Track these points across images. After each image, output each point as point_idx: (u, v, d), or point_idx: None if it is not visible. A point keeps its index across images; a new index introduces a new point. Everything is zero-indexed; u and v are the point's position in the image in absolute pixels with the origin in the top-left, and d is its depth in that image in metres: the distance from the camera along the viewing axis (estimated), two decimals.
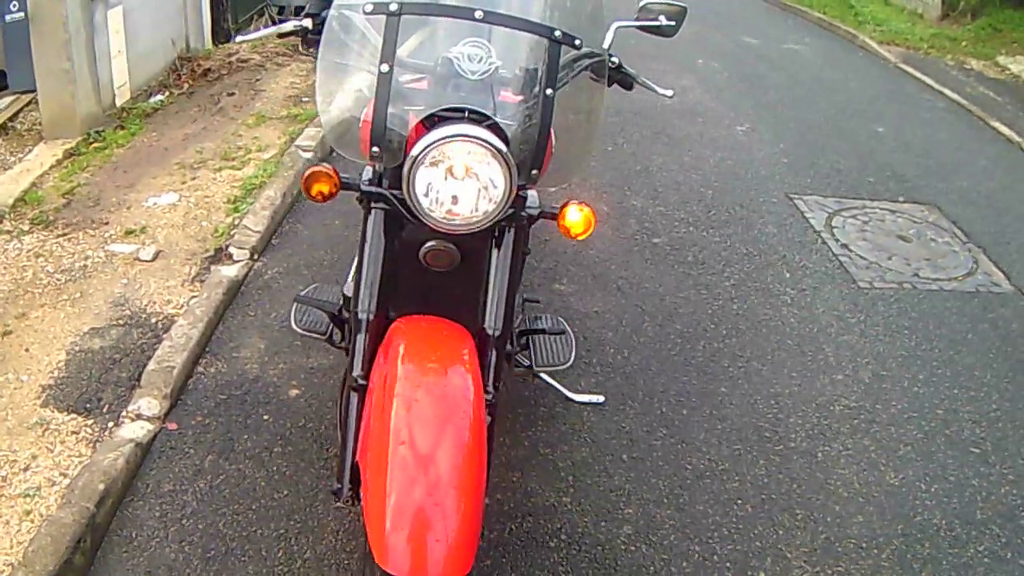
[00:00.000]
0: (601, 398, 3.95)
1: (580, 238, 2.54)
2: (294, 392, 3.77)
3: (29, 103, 6.27)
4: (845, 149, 7.43)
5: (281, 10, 9.54)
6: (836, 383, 4.32)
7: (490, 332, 2.48)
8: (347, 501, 2.43)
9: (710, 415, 3.98)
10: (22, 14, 5.63)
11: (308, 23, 2.78)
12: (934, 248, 5.82)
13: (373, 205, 2.50)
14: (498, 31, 2.41)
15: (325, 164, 2.43)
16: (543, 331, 3.33)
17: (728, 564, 3.23)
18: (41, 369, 3.69)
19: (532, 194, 2.68)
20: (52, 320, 3.99)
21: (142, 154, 5.73)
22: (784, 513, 3.50)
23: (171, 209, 5.01)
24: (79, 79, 5.73)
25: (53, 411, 3.48)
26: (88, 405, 3.54)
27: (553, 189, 2.73)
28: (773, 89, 9.00)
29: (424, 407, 2.12)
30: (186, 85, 7.19)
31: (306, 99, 6.82)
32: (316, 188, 2.41)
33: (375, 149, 2.35)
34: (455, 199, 2.30)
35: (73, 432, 3.39)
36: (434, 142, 2.22)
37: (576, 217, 2.50)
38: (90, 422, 3.45)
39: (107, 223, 4.79)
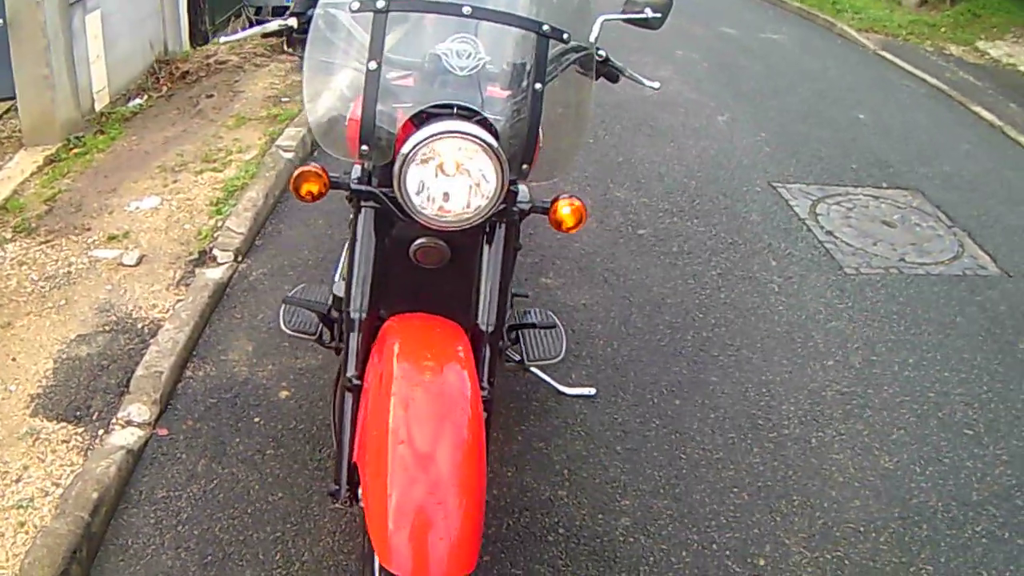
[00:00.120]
0: (593, 391, 3.94)
1: (572, 232, 2.54)
2: (284, 394, 3.75)
3: (8, 110, 6.22)
4: (827, 136, 7.44)
5: (258, 10, 9.49)
6: (827, 369, 4.32)
7: (484, 328, 2.47)
8: (345, 502, 2.42)
9: (702, 404, 3.97)
10: (0, 21, 5.57)
11: (293, 22, 2.74)
12: (919, 233, 5.83)
13: (363, 204, 2.49)
14: (485, 26, 2.39)
15: (314, 164, 2.41)
16: (533, 325, 3.32)
17: (727, 552, 3.23)
18: (29, 378, 3.66)
19: (523, 189, 2.66)
20: (38, 328, 3.95)
21: (123, 159, 5.69)
22: (781, 500, 3.50)
23: (153, 213, 4.97)
24: (58, 85, 5.68)
25: (43, 420, 3.44)
26: (78, 413, 3.50)
27: (543, 183, 2.72)
28: (753, 78, 8.99)
29: (421, 405, 2.10)
30: (165, 88, 7.14)
31: (285, 99, 6.78)
32: (306, 188, 2.39)
33: (364, 147, 2.32)
34: (446, 196, 2.28)
35: (64, 441, 3.36)
36: (425, 139, 2.20)
37: (567, 211, 2.49)
38: (80, 430, 3.42)
39: (90, 229, 4.75)
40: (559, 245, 5.07)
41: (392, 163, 2.30)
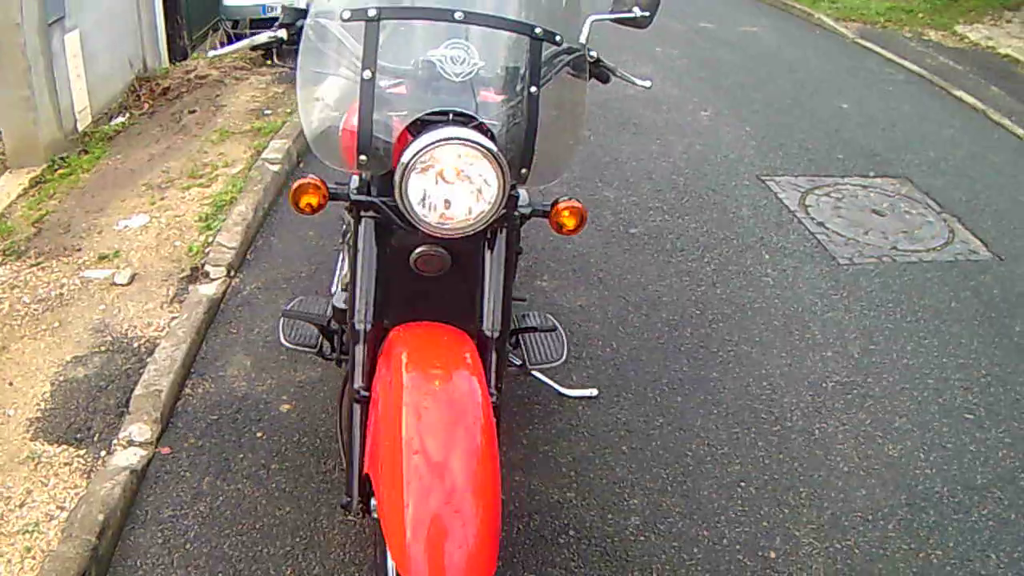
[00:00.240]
0: (595, 391, 3.93)
1: (573, 234, 2.54)
2: (285, 407, 3.73)
3: None
4: (811, 127, 7.45)
5: (236, 24, 9.49)
6: (826, 360, 4.32)
7: (489, 334, 2.46)
8: (357, 514, 2.40)
9: (705, 400, 3.97)
10: None
11: (283, 34, 2.72)
12: (909, 220, 5.84)
13: (363, 214, 2.47)
14: (475, 31, 2.38)
15: (312, 175, 2.39)
16: (534, 329, 3.31)
17: (738, 546, 3.23)
18: (27, 402, 3.63)
19: (522, 193, 2.65)
20: (33, 352, 3.92)
21: (108, 178, 5.65)
22: (788, 492, 3.50)
23: (143, 231, 4.94)
24: (40, 106, 5.65)
25: (43, 444, 3.42)
26: (78, 435, 3.47)
27: (541, 187, 2.70)
28: (734, 72, 9.00)
29: (433, 414, 2.09)
30: (146, 105, 7.11)
31: (268, 112, 6.76)
32: (305, 200, 2.38)
33: (362, 157, 2.31)
34: (447, 203, 2.26)
35: (66, 464, 3.33)
36: (424, 147, 2.19)
37: (568, 213, 2.50)
38: (82, 452, 3.39)
39: (80, 249, 4.72)
40: (552, 247, 5.06)
41: (391, 172, 2.28)
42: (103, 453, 3.38)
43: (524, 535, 3.16)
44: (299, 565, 2.99)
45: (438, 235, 2.32)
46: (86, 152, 6.01)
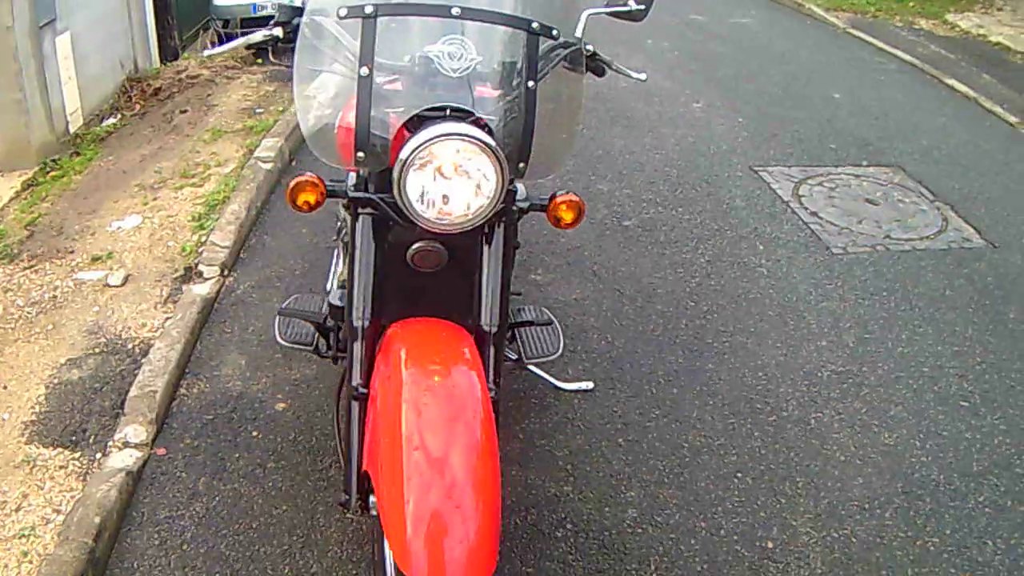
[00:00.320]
0: (590, 384, 3.93)
1: (571, 228, 2.54)
2: (281, 406, 3.72)
3: None
4: (803, 118, 7.45)
5: (226, 23, 9.47)
6: (821, 350, 4.33)
7: (487, 329, 2.46)
8: (356, 511, 2.40)
9: (700, 392, 3.97)
10: None
11: (279, 32, 2.72)
12: (903, 209, 5.84)
13: (360, 211, 2.46)
14: (471, 26, 2.38)
15: (309, 173, 2.38)
16: (530, 323, 3.32)
17: (736, 537, 3.23)
18: (21, 405, 3.62)
19: (520, 187, 2.65)
20: (27, 354, 3.91)
21: (101, 179, 5.64)
22: (785, 482, 3.50)
23: (136, 232, 4.93)
24: (32, 109, 5.64)
25: (38, 447, 3.41)
26: (73, 438, 3.46)
27: (539, 181, 2.70)
28: (725, 64, 8.99)
29: (432, 410, 2.09)
30: (138, 106, 7.09)
31: (259, 110, 6.74)
32: (302, 198, 2.38)
33: (360, 154, 2.30)
34: (445, 199, 2.26)
35: (61, 467, 3.32)
36: (423, 143, 2.18)
37: (565, 207, 2.50)
38: (77, 455, 3.38)
39: (73, 251, 4.71)
40: (546, 241, 5.05)
41: (388, 169, 2.28)
42: (98, 455, 3.37)
43: (521, 529, 3.16)
44: (297, 564, 2.99)
45: (437, 231, 2.32)
46: (78, 154, 6.00)
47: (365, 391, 2.39)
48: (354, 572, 2.96)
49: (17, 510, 3.11)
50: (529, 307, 3.56)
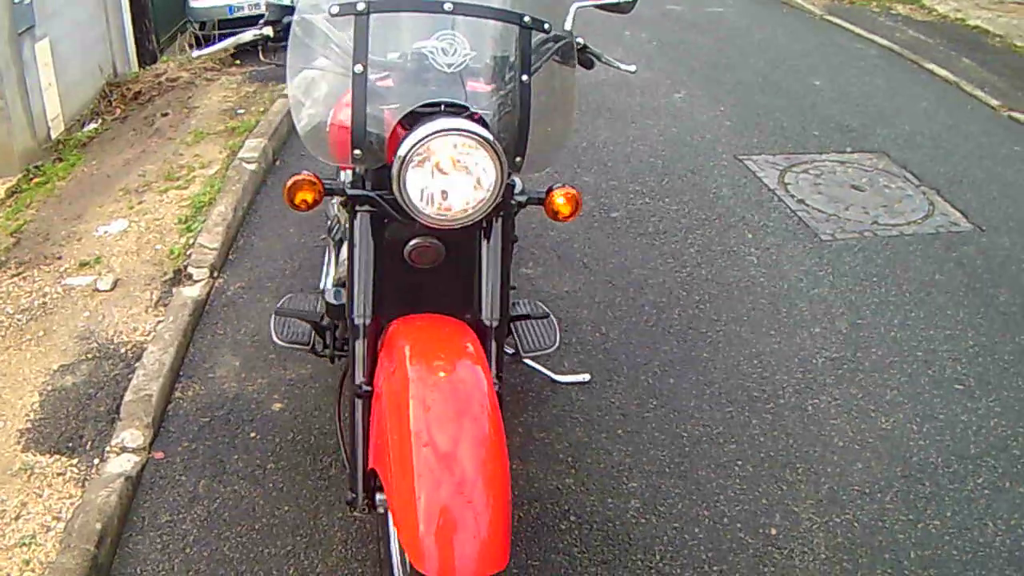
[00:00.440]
0: (587, 376, 3.93)
1: (568, 220, 2.54)
2: (277, 406, 3.70)
3: None
4: (785, 105, 7.46)
5: (203, 25, 9.44)
6: (815, 336, 4.34)
7: (488, 323, 2.46)
8: (363, 510, 2.39)
9: (697, 381, 3.97)
10: None
11: (269, 31, 2.71)
12: (889, 194, 5.86)
13: (358, 208, 2.45)
14: (463, 21, 2.37)
15: (307, 172, 2.37)
16: (527, 316, 3.31)
17: (739, 524, 3.24)
18: (16, 413, 3.58)
19: (517, 181, 2.65)
20: (19, 362, 3.88)
21: (85, 184, 5.61)
22: (785, 469, 3.51)
23: (122, 236, 4.90)
24: (13, 116, 5.60)
25: (35, 454, 3.38)
26: (70, 444, 3.44)
27: (536, 175, 2.70)
28: (704, 54, 8.99)
29: (440, 406, 2.08)
30: (118, 110, 7.06)
31: (241, 111, 6.71)
32: (300, 197, 2.36)
33: (357, 152, 2.30)
34: (444, 194, 2.25)
35: (59, 474, 3.30)
36: (421, 139, 2.18)
37: (562, 200, 2.51)
38: (75, 461, 3.36)
39: (60, 257, 4.67)
40: (535, 234, 5.05)
41: (385, 166, 2.27)
42: (96, 461, 3.35)
43: (525, 523, 3.16)
44: (301, 564, 2.97)
45: (437, 227, 2.31)
46: (61, 160, 5.97)
47: (369, 389, 2.38)
48: (359, 571, 2.94)
49: (17, 518, 3.09)
50: (524, 300, 3.56)
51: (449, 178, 2.23)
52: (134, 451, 3.37)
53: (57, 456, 3.38)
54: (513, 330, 3.35)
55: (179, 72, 7.63)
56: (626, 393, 3.87)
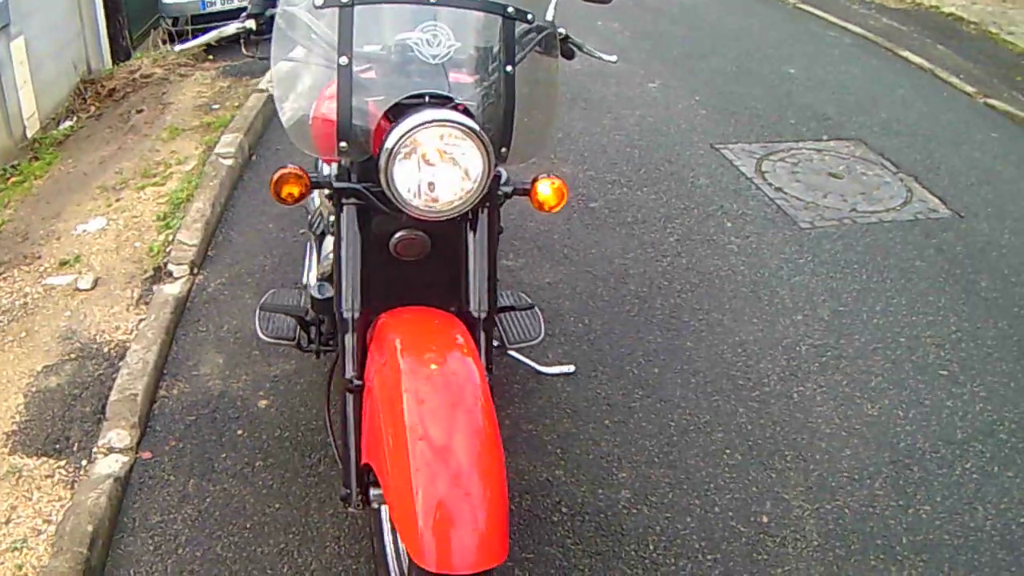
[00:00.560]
0: (572, 368, 3.93)
1: (554, 211, 2.55)
2: (263, 403, 3.68)
3: None
4: (761, 94, 7.47)
5: (175, 21, 9.39)
6: (797, 324, 4.35)
7: (476, 314, 2.47)
8: (357, 506, 2.39)
9: (682, 370, 3.98)
10: None
11: (251, 24, 2.69)
12: (867, 181, 5.89)
13: (344, 201, 2.44)
14: (446, 13, 2.36)
15: (292, 165, 2.36)
16: (511, 308, 3.30)
17: (730, 513, 3.25)
18: (1, 415, 3.55)
19: (502, 172, 2.65)
20: (2, 363, 3.84)
21: (62, 183, 5.57)
22: (774, 456, 3.52)
23: (101, 234, 4.86)
24: None
25: (22, 457, 3.35)
26: (57, 446, 3.41)
27: (521, 165, 2.69)
28: (677, 43, 8.98)
29: (433, 398, 2.09)
30: (93, 107, 7.01)
31: (216, 106, 6.67)
32: (286, 190, 2.35)
33: (343, 144, 2.29)
34: (431, 186, 2.25)
35: (47, 476, 3.27)
36: (409, 131, 2.17)
37: (548, 191, 2.53)
38: (63, 463, 3.33)
39: (39, 257, 4.64)
40: (515, 226, 5.03)
41: (371, 158, 2.27)
42: (84, 462, 3.32)
43: (517, 515, 3.16)
44: (295, 562, 2.96)
45: (425, 218, 2.30)
46: (37, 158, 5.92)
47: (360, 383, 2.38)
48: (353, 567, 2.94)
49: (7, 522, 3.06)
50: (508, 292, 3.56)
51: (436, 169, 2.23)
52: (121, 451, 3.35)
53: (45, 458, 3.35)
54: (498, 322, 3.35)
55: (153, 68, 7.57)
56: (612, 384, 3.87)
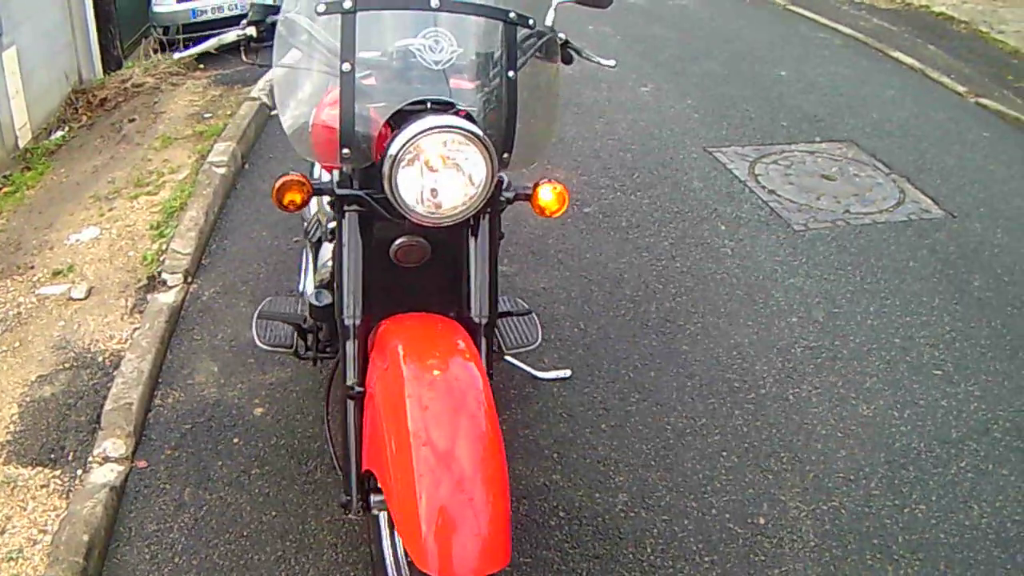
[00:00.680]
0: (568, 372, 3.92)
1: (555, 216, 2.57)
2: (259, 411, 3.68)
3: None
4: (752, 97, 7.48)
5: (166, 30, 9.40)
6: (792, 326, 4.36)
7: (478, 320, 2.46)
8: (358, 512, 2.38)
9: (677, 374, 3.98)
10: None
11: (252, 31, 2.68)
12: (859, 183, 5.89)
13: (346, 208, 2.44)
14: (447, 18, 2.36)
15: (295, 172, 2.36)
16: (509, 313, 3.31)
17: (727, 515, 3.25)
18: None
19: (504, 178, 2.65)
20: None
21: (54, 192, 5.56)
22: (770, 458, 3.53)
23: (94, 243, 4.86)
24: None
25: (17, 467, 3.34)
26: (52, 455, 3.41)
27: (523, 171, 2.69)
28: (669, 47, 8.99)
29: (436, 404, 2.08)
30: (85, 117, 7.01)
31: (208, 115, 6.67)
32: (288, 197, 2.34)
33: (345, 151, 2.28)
34: (435, 192, 2.25)
35: (42, 486, 3.26)
36: (412, 137, 2.17)
37: (550, 196, 2.54)
38: (58, 472, 3.32)
39: (32, 267, 4.63)
40: (509, 231, 4.97)
41: (373, 165, 2.27)
42: (79, 472, 3.31)
43: (515, 520, 3.14)
44: (292, 569, 2.95)
45: (428, 224, 2.30)
46: (29, 168, 5.92)
47: (361, 390, 2.37)
48: (352, 574, 2.93)
49: (2, 533, 3.05)
50: (506, 298, 3.55)
51: (439, 175, 2.23)
52: (117, 460, 3.34)
53: (39, 468, 3.35)
54: (495, 327, 3.35)
55: (144, 78, 7.57)
56: (608, 388, 3.87)
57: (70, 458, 3.40)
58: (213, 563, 2.98)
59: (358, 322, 2.41)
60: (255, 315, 3.31)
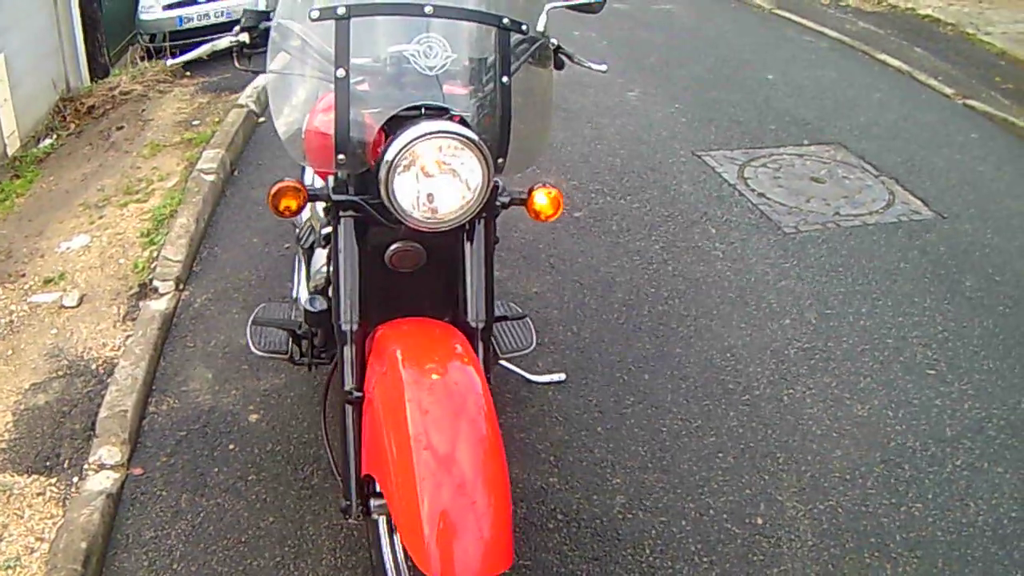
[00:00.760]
0: (562, 376, 3.93)
1: (550, 220, 2.56)
2: (254, 417, 3.67)
3: None
4: (740, 100, 7.50)
5: (153, 38, 9.38)
6: (785, 328, 4.37)
7: (475, 325, 2.46)
8: (358, 517, 2.38)
9: (672, 376, 3.99)
10: None
11: (245, 37, 2.68)
12: (849, 185, 5.92)
13: (342, 214, 2.43)
14: (440, 24, 2.37)
15: (290, 178, 2.36)
16: (504, 318, 3.32)
17: (725, 515, 3.26)
18: None
19: (499, 182, 2.65)
20: None
21: (44, 200, 5.54)
22: (766, 459, 3.54)
23: (85, 251, 4.84)
24: None
25: (12, 475, 3.33)
26: (48, 463, 3.39)
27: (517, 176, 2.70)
28: (655, 51, 9.01)
29: (437, 408, 2.08)
30: (73, 125, 6.98)
31: (196, 122, 6.66)
32: (284, 203, 2.34)
33: (341, 156, 2.28)
34: (431, 197, 2.25)
35: (39, 494, 3.25)
36: (408, 143, 2.17)
37: (545, 200, 2.53)
38: (54, 480, 3.31)
39: (23, 275, 4.61)
40: (500, 236, 5.00)
41: (368, 170, 2.27)
42: (75, 479, 3.30)
43: (514, 523, 3.14)
44: (292, 574, 2.95)
45: (425, 229, 2.30)
46: (18, 176, 5.90)
47: (359, 395, 2.37)
48: None
49: None
50: (500, 302, 3.56)
51: (435, 181, 2.23)
52: (113, 468, 3.33)
53: (35, 476, 3.33)
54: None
55: (132, 85, 7.56)
56: (603, 391, 3.88)
57: (66, 466, 3.38)
58: (212, 569, 2.97)
59: (355, 327, 2.41)
60: (249, 321, 3.31)
